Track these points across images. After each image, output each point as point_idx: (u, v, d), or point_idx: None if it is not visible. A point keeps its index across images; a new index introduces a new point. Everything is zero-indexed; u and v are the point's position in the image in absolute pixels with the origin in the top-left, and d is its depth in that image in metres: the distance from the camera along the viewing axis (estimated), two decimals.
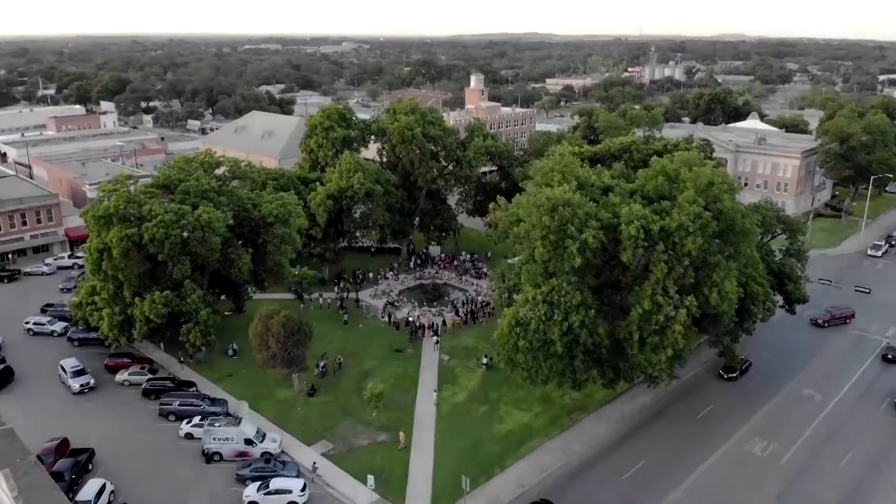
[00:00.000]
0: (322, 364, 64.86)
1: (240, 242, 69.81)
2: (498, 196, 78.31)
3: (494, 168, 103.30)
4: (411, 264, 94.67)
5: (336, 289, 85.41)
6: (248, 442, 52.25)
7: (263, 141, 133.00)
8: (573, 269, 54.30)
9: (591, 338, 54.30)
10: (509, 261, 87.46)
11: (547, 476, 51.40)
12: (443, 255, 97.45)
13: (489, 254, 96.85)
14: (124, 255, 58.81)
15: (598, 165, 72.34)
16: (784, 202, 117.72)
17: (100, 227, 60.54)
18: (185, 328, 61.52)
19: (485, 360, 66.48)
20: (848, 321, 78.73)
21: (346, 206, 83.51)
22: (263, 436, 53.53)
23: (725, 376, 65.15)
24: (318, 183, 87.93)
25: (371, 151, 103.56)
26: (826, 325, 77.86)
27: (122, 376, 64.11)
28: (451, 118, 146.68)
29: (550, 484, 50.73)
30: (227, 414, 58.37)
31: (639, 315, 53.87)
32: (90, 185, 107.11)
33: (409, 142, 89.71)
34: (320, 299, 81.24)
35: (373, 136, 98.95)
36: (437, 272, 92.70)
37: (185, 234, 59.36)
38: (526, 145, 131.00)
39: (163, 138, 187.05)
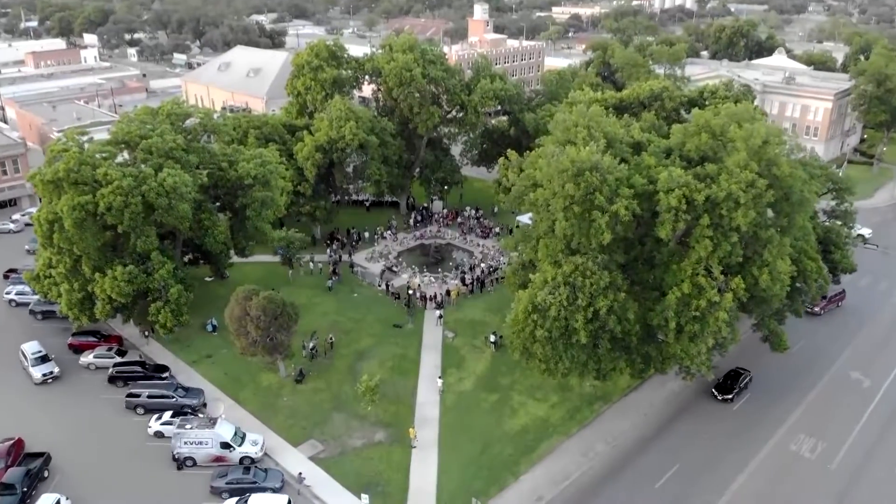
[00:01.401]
0: (311, 344, 57.72)
1: (217, 205, 61.56)
2: (509, 150, 69.63)
3: (500, 109, 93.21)
4: (411, 221, 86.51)
5: (328, 251, 77.58)
6: (225, 446, 45.54)
7: (249, 80, 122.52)
8: (600, 245, 46.42)
9: (620, 324, 46.90)
10: (519, 218, 79.66)
11: (568, 485, 44.91)
12: (445, 212, 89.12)
13: (495, 208, 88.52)
14: (78, 227, 50.64)
15: (625, 115, 63.36)
16: (813, 147, 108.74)
17: (50, 194, 52.20)
18: (153, 307, 54.02)
19: (493, 339, 59.33)
20: (839, 304, 68.37)
21: (336, 160, 74.72)
22: (243, 437, 46.75)
23: (720, 397, 53.32)
24: (306, 131, 78.92)
25: (368, 91, 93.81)
26: (822, 311, 66.54)
27: (86, 359, 57.02)
28: (454, 53, 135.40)
29: (572, 495, 44.29)
30: (204, 405, 51.65)
31: (676, 299, 46.26)
32: (58, 132, 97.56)
33: (408, 84, 79.97)
34: (311, 264, 73.52)
35: (367, 77, 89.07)
36: (438, 230, 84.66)
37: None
38: (537, 85, 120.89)
39: (144, 75, 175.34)
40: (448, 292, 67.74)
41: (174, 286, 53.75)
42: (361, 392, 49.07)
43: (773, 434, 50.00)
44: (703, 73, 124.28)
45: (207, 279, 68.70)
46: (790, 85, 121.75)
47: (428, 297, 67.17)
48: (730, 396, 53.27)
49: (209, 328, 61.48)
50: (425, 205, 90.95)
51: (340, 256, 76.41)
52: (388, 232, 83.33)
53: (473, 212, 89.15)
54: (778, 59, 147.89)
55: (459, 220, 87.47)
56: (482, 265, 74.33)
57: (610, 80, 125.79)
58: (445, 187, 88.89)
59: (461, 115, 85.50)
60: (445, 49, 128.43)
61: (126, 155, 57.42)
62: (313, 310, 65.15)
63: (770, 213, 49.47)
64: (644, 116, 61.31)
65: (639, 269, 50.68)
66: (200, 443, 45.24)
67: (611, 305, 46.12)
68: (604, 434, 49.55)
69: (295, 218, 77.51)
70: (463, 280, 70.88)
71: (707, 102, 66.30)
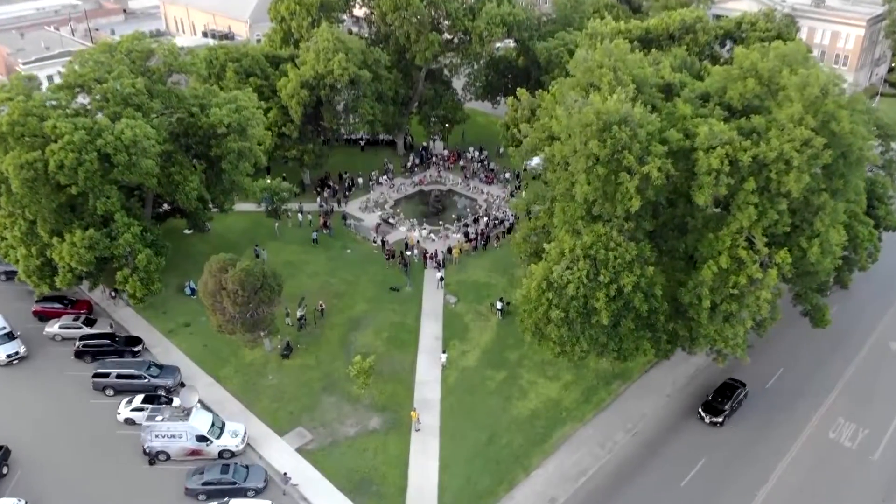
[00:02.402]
0: (300, 314, 52.24)
1: (191, 155, 54.47)
2: (519, 90, 62.20)
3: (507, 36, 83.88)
4: (408, 164, 79.43)
5: (318, 200, 71.05)
6: (202, 439, 40.75)
7: (231, 0, 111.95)
8: (627, 211, 40.18)
9: (647, 302, 41.23)
10: (527, 162, 72.70)
11: (585, 482, 40.43)
12: (446, 153, 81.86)
13: (501, 149, 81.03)
14: (28, 188, 44.21)
15: (652, 50, 55.41)
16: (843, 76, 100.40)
17: None
18: (120, 275, 48.22)
19: (499, 305, 53.82)
20: None
21: (325, 97, 67.04)
22: (221, 427, 41.88)
23: (707, 420, 44.43)
24: (291, 63, 70.93)
25: (361, 11, 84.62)
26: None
27: (51, 329, 51.73)
28: None
29: (588, 495, 39.86)
30: (181, 384, 46.70)
31: (713, 274, 40.41)
32: (24, 64, 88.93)
33: (404, 8, 71.25)
34: (299, 215, 67.17)
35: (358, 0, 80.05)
36: (438, 175, 77.76)
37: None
38: (547, 6, 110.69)
39: None
40: (450, 250, 61.77)
41: (142, 251, 47.71)
42: (353, 375, 43.92)
43: (809, 419, 45.25)
44: None
45: (186, 232, 62.57)
46: (820, 8, 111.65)
47: (428, 254, 61.27)
48: (719, 420, 44.20)
49: (188, 291, 55.92)
50: (425, 144, 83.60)
51: (332, 207, 69.98)
52: (384, 177, 76.54)
53: (477, 153, 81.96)
54: None
55: (462, 162, 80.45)
56: (486, 217, 67.95)
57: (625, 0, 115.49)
58: (447, 125, 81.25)
59: (465, 43, 76.91)
60: None
61: (82, 100, 50.12)
62: (302, 269, 59.51)
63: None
64: (674, 52, 53.50)
65: (667, 236, 44.53)
66: (173, 436, 40.45)
67: (637, 282, 40.35)
68: (623, 419, 44.82)
69: (282, 161, 70.71)
70: (466, 235, 64.77)
71: (745, 35, 58.32)
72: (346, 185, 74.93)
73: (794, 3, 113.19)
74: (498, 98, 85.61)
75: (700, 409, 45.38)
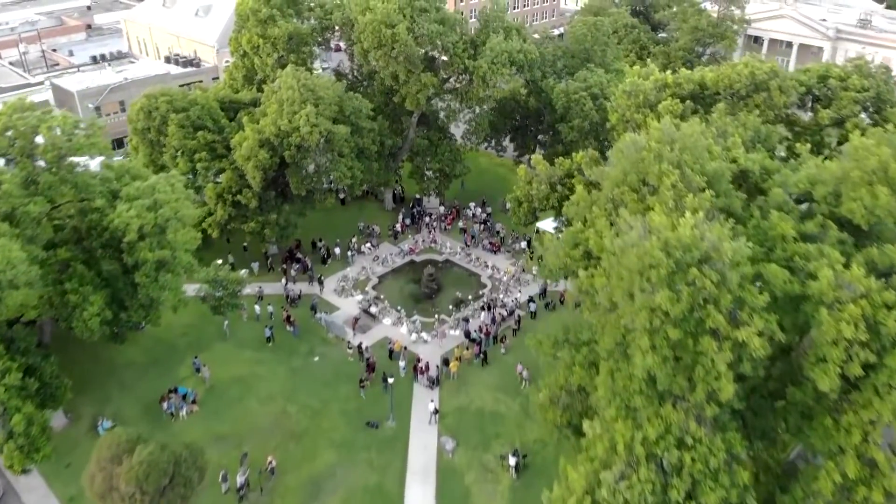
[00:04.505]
0: (240, 480, 38.65)
1: (100, 258, 40.69)
2: (534, 158, 49.15)
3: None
4: (397, 226, 65.97)
5: (284, 279, 57.63)
6: None
7: (198, 20, 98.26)
8: (711, 393, 26.85)
9: None
10: (539, 225, 59.58)
11: None
12: (442, 211, 68.49)
13: (507, 203, 67.47)
14: None
15: (713, 114, 41.96)
16: None
17: None
18: None
19: (513, 460, 40.28)
20: None
21: (290, 159, 53.72)
22: None
23: None
24: (252, 109, 57.94)
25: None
26: None
27: None
28: None
29: None
30: None
31: (833, 486, 27.18)
32: None
33: (390, 45, 57.79)
34: (256, 306, 53.75)
35: (336, 30, 66.80)
36: (433, 239, 64.40)
37: None
38: (551, 28, 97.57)
39: (89, 7, 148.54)
40: (447, 362, 48.32)
41: (20, 409, 34.18)
42: None
43: None
44: (764, 11, 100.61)
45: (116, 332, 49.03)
46: (867, 30, 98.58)
47: (418, 366, 47.87)
48: None
49: (101, 430, 42.43)
50: (417, 196, 70.09)
51: (300, 291, 56.48)
52: (367, 244, 63.13)
53: (479, 210, 68.57)
54: None
55: (461, 222, 67.15)
56: (492, 308, 54.33)
57: (643, 16, 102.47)
58: (445, 178, 67.50)
59: (464, 83, 63.48)
60: None
61: None
62: (253, 389, 46.24)
63: None
64: (744, 119, 40.07)
65: (757, 407, 31.20)
66: None
67: (725, 498, 27.02)
68: None
69: (236, 238, 57.50)
70: (467, 334, 51.35)
71: (831, 93, 44.93)
72: (321, 256, 61.51)
73: (837, 23, 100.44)
74: (502, 143, 72.59)
75: None
